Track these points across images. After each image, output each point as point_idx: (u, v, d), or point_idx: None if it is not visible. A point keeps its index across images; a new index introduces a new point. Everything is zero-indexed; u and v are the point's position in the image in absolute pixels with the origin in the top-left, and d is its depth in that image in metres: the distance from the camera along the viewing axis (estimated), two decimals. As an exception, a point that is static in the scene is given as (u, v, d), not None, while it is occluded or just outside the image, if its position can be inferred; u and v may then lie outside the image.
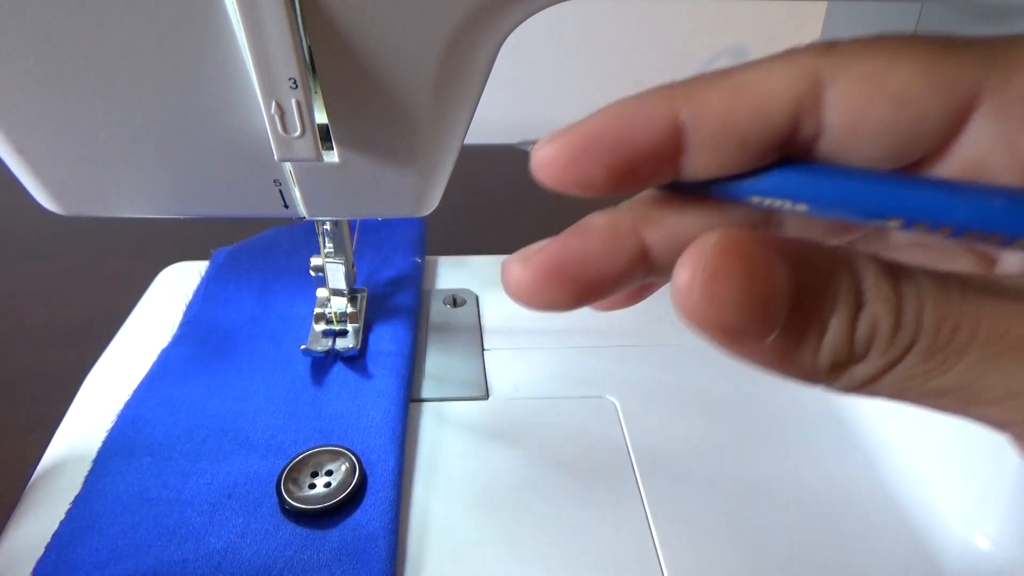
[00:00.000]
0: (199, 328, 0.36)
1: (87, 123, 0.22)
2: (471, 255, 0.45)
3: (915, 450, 0.30)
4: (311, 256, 0.37)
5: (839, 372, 0.12)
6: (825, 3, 0.38)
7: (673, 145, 0.13)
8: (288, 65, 0.19)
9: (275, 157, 0.21)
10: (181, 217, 0.25)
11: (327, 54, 0.20)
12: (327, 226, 0.32)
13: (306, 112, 0.20)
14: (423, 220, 0.44)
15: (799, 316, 0.11)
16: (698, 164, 0.13)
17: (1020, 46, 0.12)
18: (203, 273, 0.41)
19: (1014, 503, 0.26)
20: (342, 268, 0.34)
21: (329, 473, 0.28)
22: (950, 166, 0.13)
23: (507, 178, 0.66)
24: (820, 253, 0.12)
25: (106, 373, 0.34)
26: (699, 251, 0.11)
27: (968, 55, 0.12)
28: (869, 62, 0.12)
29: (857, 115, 0.12)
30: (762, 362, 0.12)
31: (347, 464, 0.28)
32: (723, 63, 0.81)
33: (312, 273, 0.34)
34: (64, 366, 0.35)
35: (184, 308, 0.38)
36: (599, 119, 0.13)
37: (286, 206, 0.25)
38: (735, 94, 0.13)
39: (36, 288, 0.50)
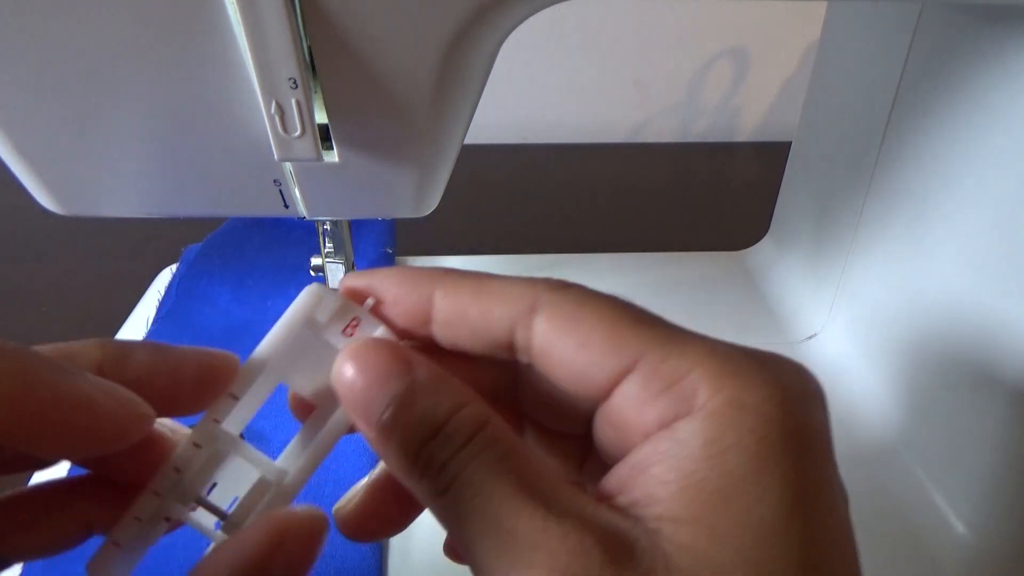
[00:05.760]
0: (174, 323, 0.36)
1: (87, 123, 0.22)
2: (471, 255, 0.45)
3: (902, 437, 0.30)
4: (282, 249, 0.36)
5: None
6: (825, 3, 0.38)
7: (424, 313, 0.17)
8: (288, 65, 0.19)
9: (275, 157, 0.21)
10: (181, 217, 0.26)
11: (327, 54, 0.20)
12: (327, 226, 0.32)
13: (306, 112, 0.20)
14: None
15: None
16: (440, 335, 0.17)
17: (682, 339, 0.15)
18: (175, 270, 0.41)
19: (993, 488, 0.27)
20: (342, 268, 0.34)
21: None
22: (605, 411, 0.16)
23: (507, 178, 0.66)
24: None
25: (106, 373, 0.34)
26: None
27: (640, 330, 0.15)
28: (568, 308, 0.15)
29: (549, 344, 0.16)
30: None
31: None
32: (723, 63, 0.81)
33: (312, 273, 0.34)
34: (64, 366, 0.35)
35: (157, 305, 0.38)
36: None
37: (286, 206, 0.25)
38: (476, 294, 0.16)
39: (36, 288, 0.50)
